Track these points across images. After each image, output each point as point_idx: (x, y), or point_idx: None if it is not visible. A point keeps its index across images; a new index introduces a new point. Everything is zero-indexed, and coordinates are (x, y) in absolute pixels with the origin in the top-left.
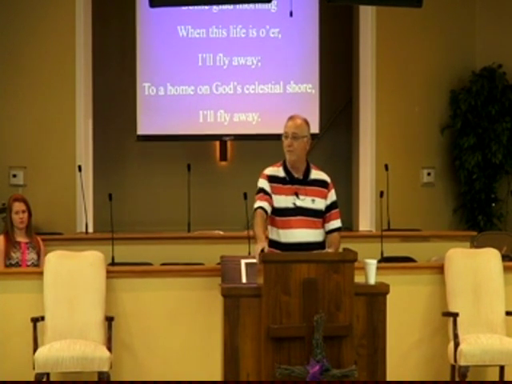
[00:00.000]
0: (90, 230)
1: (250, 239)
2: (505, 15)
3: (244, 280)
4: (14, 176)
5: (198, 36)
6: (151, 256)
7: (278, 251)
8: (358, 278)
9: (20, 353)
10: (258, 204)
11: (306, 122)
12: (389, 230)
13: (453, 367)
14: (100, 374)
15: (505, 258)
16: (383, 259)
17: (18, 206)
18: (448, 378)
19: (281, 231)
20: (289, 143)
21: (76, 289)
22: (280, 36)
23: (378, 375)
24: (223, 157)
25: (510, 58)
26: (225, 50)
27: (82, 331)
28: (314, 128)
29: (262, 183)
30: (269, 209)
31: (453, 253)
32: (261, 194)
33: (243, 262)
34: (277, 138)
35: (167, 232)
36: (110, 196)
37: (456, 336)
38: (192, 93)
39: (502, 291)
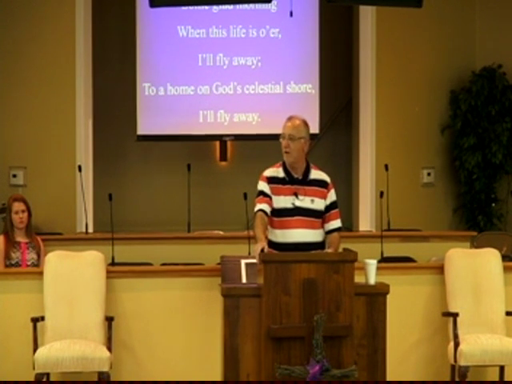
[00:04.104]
0: (90, 230)
1: (250, 239)
2: (505, 15)
3: (244, 280)
4: (14, 176)
5: (197, 36)
6: (151, 256)
7: (278, 252)
8: (358, 278)
9: (20, 353)
10: (258, 207)
11: (305, 123)
12: (389, 230)
13: (453, 367)
14: (100, 374)
15: (505, 258)
16: (383, 259)
17: (18, 206)
18: (448, 378)
19: (279, 231)
20: (285, 144)
21: (76, 289)
22: (280, 36)
23: (378, 375)
24: (223, 157)
25: (510, 58)
26: (225, 50)
27: (82, 331)
28: (314, 128)
29: (262, 185)
30: (269, 210)
31: (453, 253)
32: (261, 197)
33: (243, 262)
34: (277, 138)
35: (167, 232)
36: (110, 196)
37: (456, 336)
38: (192, 93)
39: (502, 291)
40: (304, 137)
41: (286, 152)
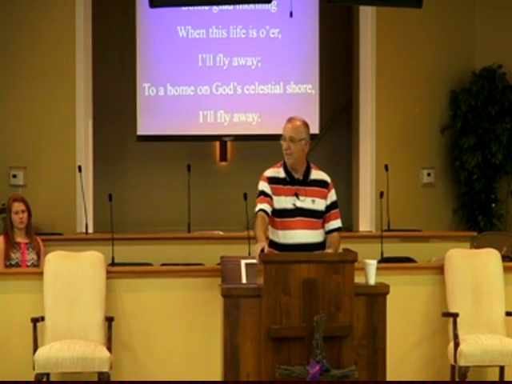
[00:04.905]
0: (90, 230)
1: (250, 239)
2: (505, 15)
3: (244, 280)
4: (14, 176)
5: (197, 36)
6: (151, 256)
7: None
8: (358, 279)
9: (20, 353)
10: (258, 206)
11: (305, 124)
12: (389, 230)
13: (453, 367)
14: (100, 374)
15: (505, 258)
16: (383, 259)
17: (18, 206)
18: (448, 379)
19: (280, 232)
20: (286, 146)
21: (76, 289)
22: (280, 36)
23: (378, 375)
24: (223, 157)
25: (510, 58)
26: (225, 51)
27: (82, 331)
28: (314, 128)
29: (263, 186)
30: (270, 210)
31: (453, 253)
32: (261, 197)
33: (243, 262)
34: (277, 138)
35: (167, 232)
36: (110, 196)
37: (456, 336)
38: (192, 93)
39: (502, 291)
40: (304, 138)
41: (287, 154)
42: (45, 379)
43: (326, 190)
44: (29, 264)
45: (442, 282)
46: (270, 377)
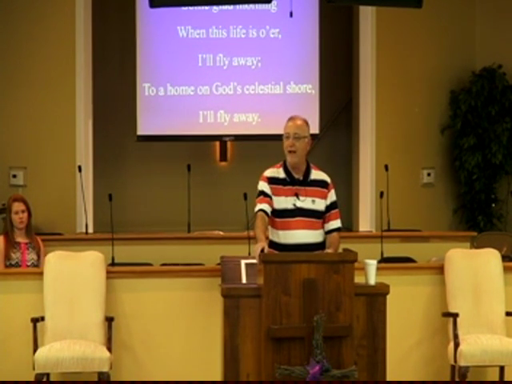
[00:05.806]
0: (90, 230)
1: (250, 239)
2: (505, 15)
3: (244, 280)
4: (14, 176)
5: (197, 36)
6: (151, 256)
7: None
8: (358, 279)
9: (20, 353)
10: (258, 207)
11: (306, 123)
12: (389, 230)
13: (453, 367)
14: (100, 374)
15: (505, 258)
16: (383, 260)
17: (18, 206)
18: (448, 378)
19: (280, 232)
20: (291, 143)
21: (76, 289)
22: (280, 36)
23: (378, 375)
24: (223, 157)
25: (510, 59)
26: (225, 51)
27: (82, 331)
28: (314, 128)
29: (262, 186)
30: (269, 210)
31: (453, 253)
32: (261, 197)
33: (243, 262)
34: (277, 138)
35: (167, 232)
36: (110, 196)
37: (456, 336)
38: (192, 93)
39: (502, 291)
40: (307, 136)
41: (292, 151)
42: (45, 379)
43: (325, 190)
44: (29, 264)
45: (442, 282)
46: (270, 377)
